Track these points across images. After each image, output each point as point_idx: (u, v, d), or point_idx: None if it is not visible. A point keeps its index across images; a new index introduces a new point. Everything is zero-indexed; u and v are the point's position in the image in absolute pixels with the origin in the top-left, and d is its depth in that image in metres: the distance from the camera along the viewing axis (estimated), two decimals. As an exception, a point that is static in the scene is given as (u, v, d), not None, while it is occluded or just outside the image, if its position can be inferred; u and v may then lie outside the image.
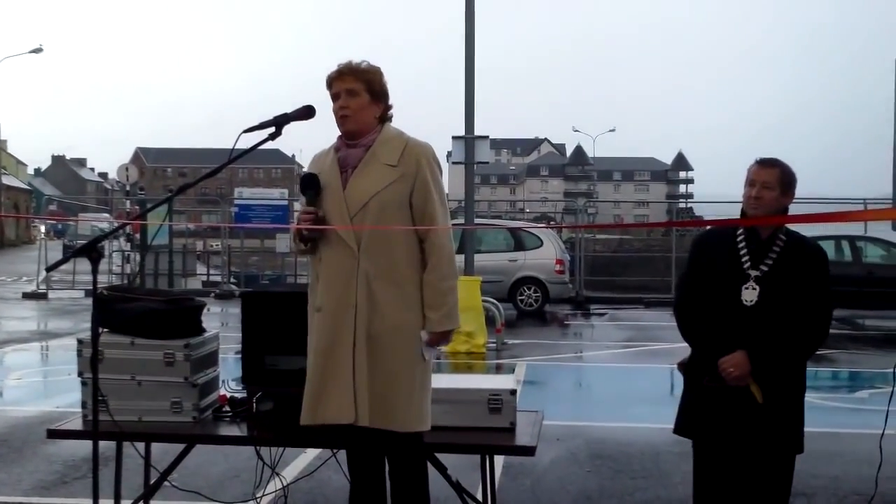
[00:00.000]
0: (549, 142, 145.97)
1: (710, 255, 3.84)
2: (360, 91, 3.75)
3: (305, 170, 3.98)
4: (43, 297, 20.98)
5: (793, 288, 3.67)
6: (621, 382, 10.77)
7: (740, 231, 3.80)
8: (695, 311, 3.83)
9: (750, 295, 3.70)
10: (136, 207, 23.11)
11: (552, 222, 38.79)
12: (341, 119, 3.77)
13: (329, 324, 3.71)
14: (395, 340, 3.68)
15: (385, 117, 3.87)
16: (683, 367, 3.96)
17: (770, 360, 3.64)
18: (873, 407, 8.52)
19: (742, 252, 3.75)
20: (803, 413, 3.77)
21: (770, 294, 3.67)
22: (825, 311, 3.72)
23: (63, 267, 4.32)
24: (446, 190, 4.15)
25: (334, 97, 3.79)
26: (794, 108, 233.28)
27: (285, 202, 23.19)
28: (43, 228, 43.28)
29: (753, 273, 3.71)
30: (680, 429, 3.92)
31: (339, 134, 3.86)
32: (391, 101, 3.89)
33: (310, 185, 3.81)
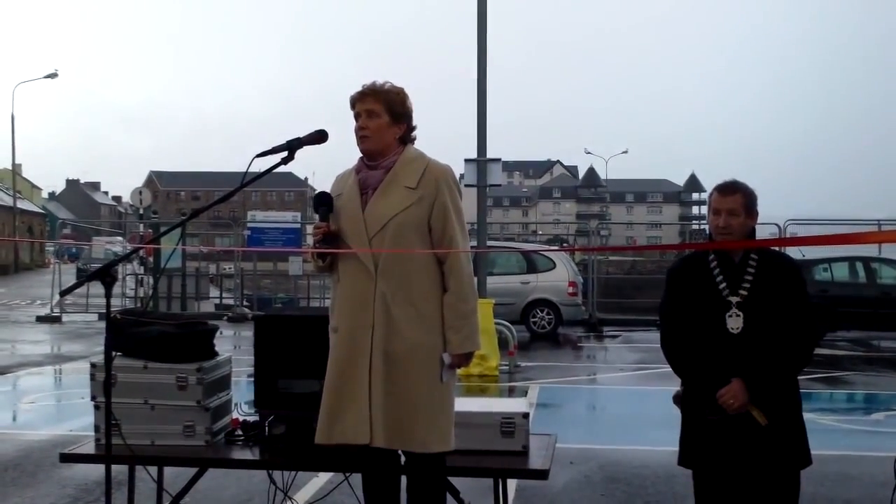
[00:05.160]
0: (561, 164, 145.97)
1: (687, 285, 3.83)
2: (379, 112, 3.76)
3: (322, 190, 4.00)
4: (56, 320, 21.06)
5: (774, 308, 3.66)
6: (635, 405, 10.71)
7: (712, 256, 3.80)
8: (682, 344, 3.82)
9: (735, 322, 3.69)
10: (150, 231, 23.20)
11: (565, 244, 38.73)
12: (360, 139, 3.78)
13: (346, 344, 3.71)
14: (412, 360, 3.67)
15: (407, 138, 3.86)
16: (679, 400, 3.93)
17: (766, 384, 3.63)
18: (888, 429, 8.45)
19: (718, 278, 3.74)
20: (804, 426, 3.76)
21: (754, 319, 3.67)
22: (809, 323, 3.72)
23: (76, 290, 4.36)
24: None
25: (356, 117, 3.81)
26: (807, 129, 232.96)
27: (298, 225, 23.22)
28: (49, 249, 43.12)
29: (734, 299, 3.69)
30: (684, 461, 3.88)
31: (361, 155, 3.88)
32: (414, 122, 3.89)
33: (322, 202, 3.83)
